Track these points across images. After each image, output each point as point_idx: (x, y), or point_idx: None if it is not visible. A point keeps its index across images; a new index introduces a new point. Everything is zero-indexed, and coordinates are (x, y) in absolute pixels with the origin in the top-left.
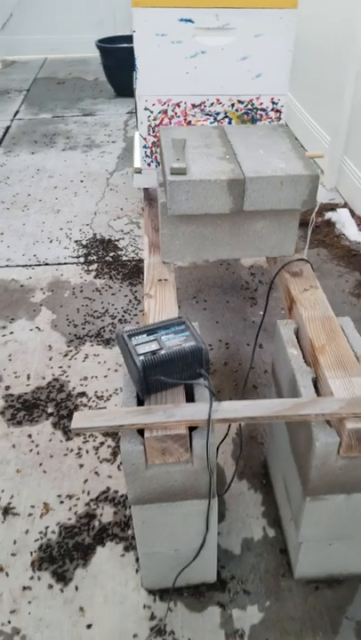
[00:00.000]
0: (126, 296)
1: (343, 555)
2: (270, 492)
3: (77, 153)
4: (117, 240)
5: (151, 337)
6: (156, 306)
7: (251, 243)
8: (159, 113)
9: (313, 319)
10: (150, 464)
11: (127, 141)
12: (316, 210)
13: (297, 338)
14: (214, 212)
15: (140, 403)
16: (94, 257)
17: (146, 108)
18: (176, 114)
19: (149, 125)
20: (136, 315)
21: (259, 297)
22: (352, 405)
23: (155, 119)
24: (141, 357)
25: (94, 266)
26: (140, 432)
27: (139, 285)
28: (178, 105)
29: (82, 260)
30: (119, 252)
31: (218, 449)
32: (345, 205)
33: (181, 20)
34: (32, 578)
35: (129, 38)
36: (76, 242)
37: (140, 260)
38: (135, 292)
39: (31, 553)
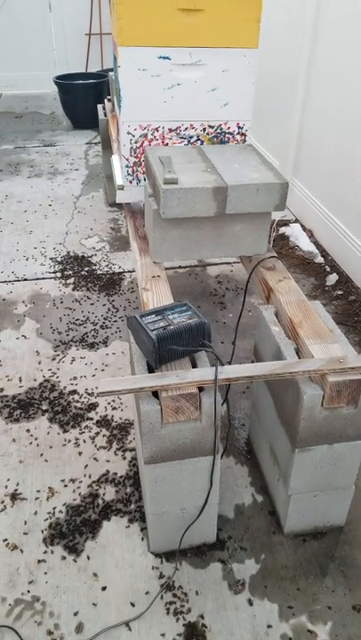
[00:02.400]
0: (104, 305)
1: (326, 506)
2: (255, 465)
3: (43, 180)
4: (90, 256)
5: (159, 317)
6: (154, 297)
7: (230, 243)
8: (140, 136)
9: (290, 302)
10: (165, 422)
11: (89, 169)
12: (276, 220)
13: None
14: (201, 215)
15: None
16: (70, 272)
17: (128, 132)
18: (155, 137)
19: (131, 147)
20: (116, 321)
21: (227, 302)
22: (331, 363)
23: (136, 142)
24: (155, 332)
25: (71, 280)
26: (155, 396)
27: (115, 296)
28: (157, 129)
29: (59, 274)
30: (93, 267)
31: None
32: (296, 221)
33: (160, 57)
34: (45, 552)
35: (84, 75)
36: (51, 259)
37: (115, 274)
38: (112, 301)
39: (42, 531)
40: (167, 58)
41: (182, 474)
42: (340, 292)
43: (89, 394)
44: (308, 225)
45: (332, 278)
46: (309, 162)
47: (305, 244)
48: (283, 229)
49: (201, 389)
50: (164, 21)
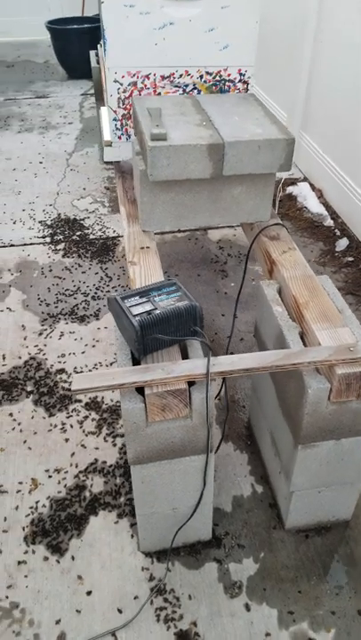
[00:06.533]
0: (97, 274)
1: (331, 502)
2: (255, 452)
3: (34, 135)
4: (83, 219)
5: (144, 298)
6: (142, 272)
7: (229, 209)
8: (129, 85)
9: (294, 278)
10: (150, 421)
11: (84, 122)
12: (283, 180)
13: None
14: (195, 177)
15: (136, 364)
16: (60, 236)
17: (115, 81)
18: (146, 86)
19: (119, 98)
20: (109, 291)
21: (229, 269)
22: (340, 352)
23: (124, 91)
24: (137, 318)
25: (61, 245)
26: (139, 391)
27: (108, 263)
28: (147, 77)
29: (48, 240)
30: (85, 231)
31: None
32: (305, 179)
33: None
34: (26, 552)
35: (79, 20)
36: (40, 222)
37: (109, 238)
38: (105, 269)
39: (23, 528)
40: None
41: (172, 474)
42: (350, 259)
43: (77, 373)
44: (318, 184)
45: (343, 243)
46: (320, 115)
47: (314, 205)
48: (290, 189)
49: (191, 383)
50: None
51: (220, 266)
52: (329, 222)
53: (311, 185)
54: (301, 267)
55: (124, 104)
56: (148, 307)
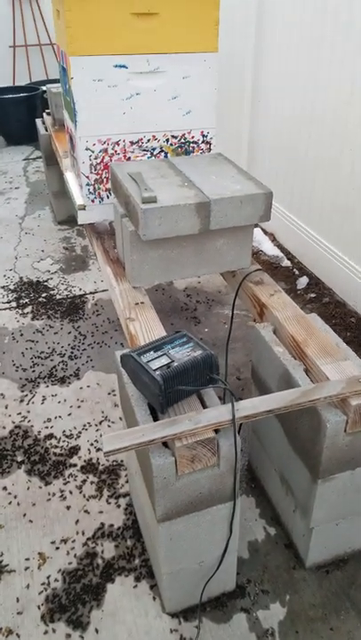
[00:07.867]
0: (70, 333)
1: (347, 533)
2: (261, 494)
3: None
4: (46, 280)
5: (159, 352)
6: (142, 327)
7: (212, 260)
8: (100, 152)
9: (288, 318)
10: (180, 474)
11: (31, 186)
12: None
13: None
14: (185, 233)
15: (155, 418)
16: (26, 300)
17: (87, 149)
18: (116, 152)
19: (91, 164)
20: (85, 349)
21: (200, 315)
22: (351, 384)
23: (96, 158)
24: (158, 372)
25: (29, 308)
26: (165, 445)
27: (80, 321)
28: (117, 143)
29: (14, 304)
30: (51, 292)
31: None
32: (256, 225)
33: (116, 65)
34: (46, 632)
35: (13, 89)
36: (2, 287)
37: (76, 297)
38: (78, 327)
39: (39, 607)
40: (124, 66)
41: (200, 526)
42: (312, 295)
43: (67, 436)
44: (269, 229)
45: (303, 281)
46: (263, 165)
47: (269, 249)
48: None
49: (216, 431)
50: (117, 28)
51: (191, 313)
52: (286, 263)
53: (263, 230)
54: (291, 307)
55: (95, 170)
56: (164, 360)
